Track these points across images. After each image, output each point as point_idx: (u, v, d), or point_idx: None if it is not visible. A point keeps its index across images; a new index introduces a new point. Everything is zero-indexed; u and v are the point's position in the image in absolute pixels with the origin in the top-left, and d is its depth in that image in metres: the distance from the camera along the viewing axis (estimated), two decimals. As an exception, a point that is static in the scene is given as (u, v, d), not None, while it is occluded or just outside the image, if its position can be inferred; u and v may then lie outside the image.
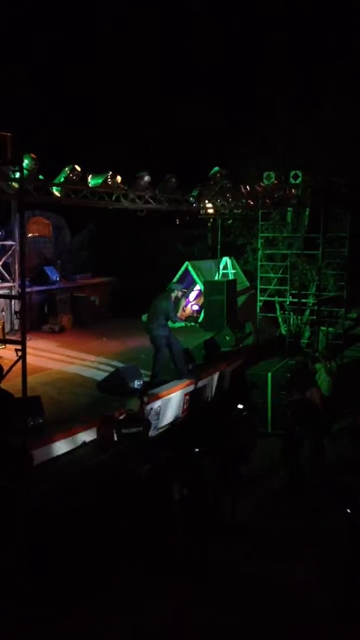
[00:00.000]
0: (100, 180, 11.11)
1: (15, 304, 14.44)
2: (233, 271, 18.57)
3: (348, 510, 7.23)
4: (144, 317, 11.27)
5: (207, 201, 14.64)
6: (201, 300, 17.33)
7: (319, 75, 19.82)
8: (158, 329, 10.87)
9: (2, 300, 14.28)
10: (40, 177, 10.17)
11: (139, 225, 18.65)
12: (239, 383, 12.76)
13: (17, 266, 14.67)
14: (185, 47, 24.22)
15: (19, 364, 7.08)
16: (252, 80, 22.62)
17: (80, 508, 7.28)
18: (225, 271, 18.40)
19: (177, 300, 10.99)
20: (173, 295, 11.07)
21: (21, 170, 7.77)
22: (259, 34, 23.19)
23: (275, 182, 14.89)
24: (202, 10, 23.28)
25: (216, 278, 17.80)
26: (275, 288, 16.66)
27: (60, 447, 8.35)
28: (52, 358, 12.52)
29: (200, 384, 11.72)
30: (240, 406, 9.89)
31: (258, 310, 16.65)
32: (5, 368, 7.97)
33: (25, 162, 9.39)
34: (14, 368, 7.42)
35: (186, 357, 11.53)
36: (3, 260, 14.56)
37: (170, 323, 11.13)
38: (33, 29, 21.95)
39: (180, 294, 11.03)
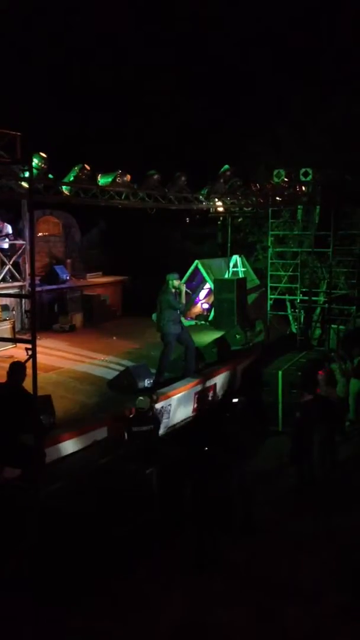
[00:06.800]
0: (109, 179, 11.12)
1: (26, 303, 14.47)
2: (243, 269, 18.51)
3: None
4: (154, 316, 11.21)
5: (216, 199, 14.61)
6: (211, 298, 17.31)
7: (331, 71, 19.73)
8: (168, 325, 10.84)
9: (12, 299, 14.30)
10: (50, 176, 10.19)
11: (148, 224, 18.67)
12: (250, 381, 12.72)
13: (27, 265, 14.67)
14: (196, 43, 24.15)
15: (30, 363, 7.08)
16: (263, 76, 22.52)
17: (91, 506, 7.27)
18: (235, 269, 18.35)
19: (179, 291, 10.96)
20: (170, 285, 10.95)
21: (30, 169, 7.77)
22: (269, 29, 23.05)
23: (286, 179, 14.83)
24: (212, 5, 23.14)
25: (226, 276, 17.76)
26: (286, 286, 16.60)
27: (71, 445, 8.34)
28: (62, 357, 12.52)
29: (210, 382, 11.69)
30: (235, 400, 9.69)
31: (268, 309, 16.60)
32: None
33: (35, 161, 9.42)
34: (24, 367, 7.43)
35: (196, 356, 11.51)
36: (13, 259, 14.59)
37: (184, 321, 11.02)
38: (37, 25, 21.91)
39: (177, 282, 10.99)
